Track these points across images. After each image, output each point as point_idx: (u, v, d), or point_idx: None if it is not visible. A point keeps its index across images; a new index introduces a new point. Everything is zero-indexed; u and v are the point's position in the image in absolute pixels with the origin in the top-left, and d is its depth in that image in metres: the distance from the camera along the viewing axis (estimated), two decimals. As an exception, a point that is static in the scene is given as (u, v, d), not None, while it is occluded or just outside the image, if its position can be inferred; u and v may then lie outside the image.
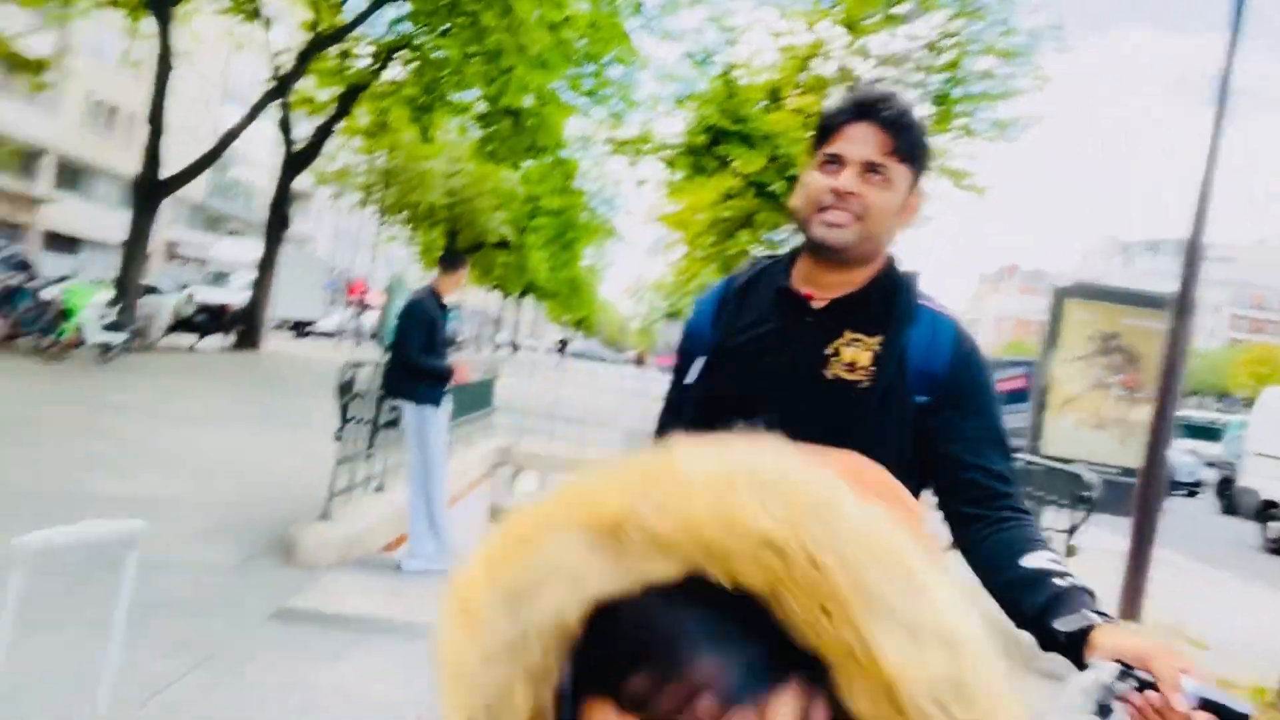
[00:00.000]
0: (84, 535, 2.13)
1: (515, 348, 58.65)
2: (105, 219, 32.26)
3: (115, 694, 2.27)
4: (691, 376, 1.55)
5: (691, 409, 1.52)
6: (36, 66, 17.87)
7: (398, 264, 49.42)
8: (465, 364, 5.73)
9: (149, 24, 16.79)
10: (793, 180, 19.80)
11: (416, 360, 5.28)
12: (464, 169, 31.29)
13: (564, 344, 58.50)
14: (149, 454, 7.45)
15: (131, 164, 19.47)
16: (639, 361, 50.00)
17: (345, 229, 51.50)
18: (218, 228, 43.95)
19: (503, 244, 38.43)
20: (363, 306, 33.14)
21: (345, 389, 5.68)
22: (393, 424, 5.86)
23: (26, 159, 31.60)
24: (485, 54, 15.98)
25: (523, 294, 55.91)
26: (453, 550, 5.38)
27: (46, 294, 13.33)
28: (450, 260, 5.64)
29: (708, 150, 21.21)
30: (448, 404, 5.51)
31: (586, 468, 0.46)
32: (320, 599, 4.61)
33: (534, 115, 18.51)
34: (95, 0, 17.20)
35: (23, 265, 15.48)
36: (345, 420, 5.65)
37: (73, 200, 33.96)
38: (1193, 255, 5.66)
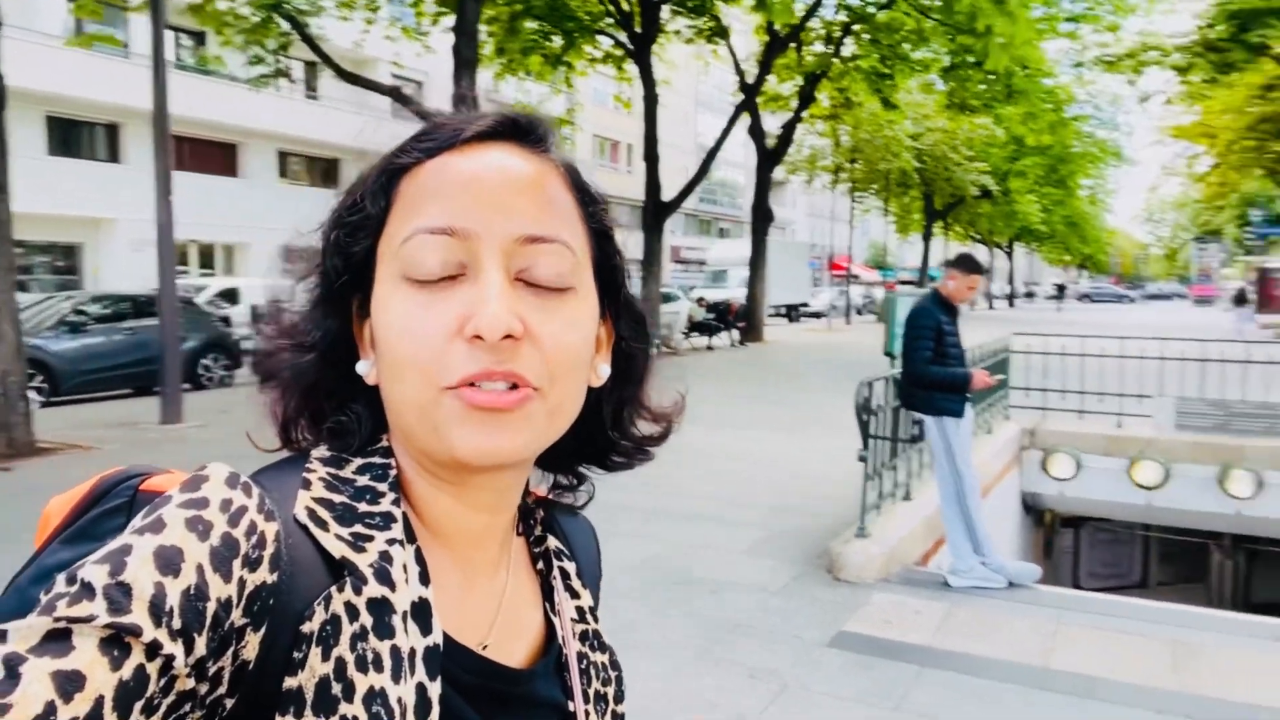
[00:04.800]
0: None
1: (1012, 301, 52.25)
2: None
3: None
4: None
5: None
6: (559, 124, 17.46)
7: (874, 233, 52.08)
8: (983, 372, 5.17)
9: (631, 66, 19.42)
10: None
11: (926, 373, 4.93)
12: (932, 127, 31.37)
13: (1061, 289, 54.62)
14: (695, 464, 7.67)
15: (633, 187, 22.57)
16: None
17: (819, 208, 51.01)
18: (709, 230, 48.12)
19: (985, 194, 36.44)
20: (850, 279, 33.62)
21: (864, 408, 5.30)
22: (916, 439, 5.58)
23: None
24: (944, 12, 15.96)
25: (1012, 241, 52.41)
26: (1000, 567, 5.09)
27: None
28: (964, 264, 5.05)
29: (1234, 40, 17.65)
30: (970, 412, 5.18)
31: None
32: (875, 624, 4.51)
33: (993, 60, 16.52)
34: (590, 59, 20.18)
35: None
36: (867, 439, 5.36)
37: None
38: None
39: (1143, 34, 20.24)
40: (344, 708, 0.49)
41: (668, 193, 18.93)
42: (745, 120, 21.45)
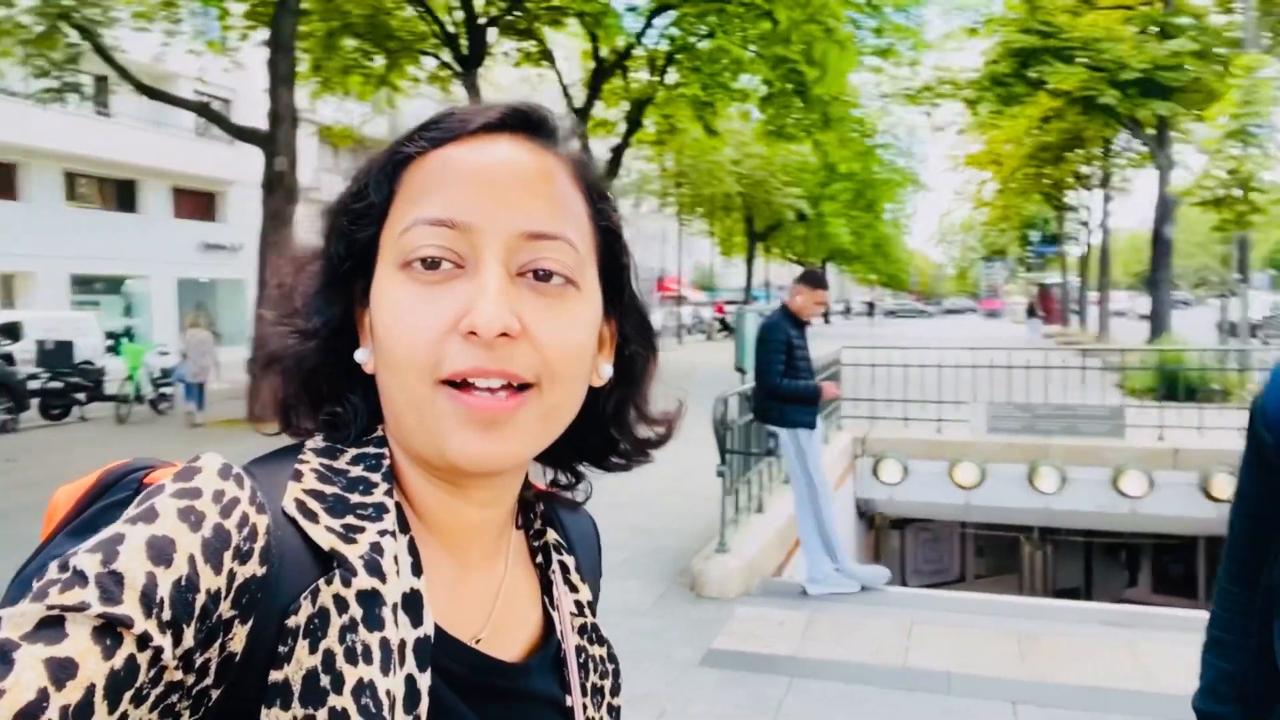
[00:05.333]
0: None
1: (827, 317, 51.47)
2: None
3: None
4: None
5: None
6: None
7: (700, 255, 53.09)
8: (830, 383, 5.48)
9: (459, 88, 18.43)
10: (1126, 86, 18.26)
11: (779, 386, 5.06)
12: (750, 153, 31.87)
13: (871, 306, 57.22)
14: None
15: None
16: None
17: (646, 231, 49.78)
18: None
19: (801, 217, 37.95)
20: (679, 300, 34.61)
21: (721, 423, 5.38)
22: (771, 452, 5.72)
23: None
24: (774, 41, 16.09)
25: (825, 261, 52.74)
26: (853, 573, 5.30)
27: None
28: (811, 280, 5.23)
29: (1016, 76, 18.97)
30: (821, 424, 5.40)
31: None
32: (743, 639, 4.53)
33: (818, 86, 17.25)
34: (414, 80, 19.41)
35: None
36: (725, 454, 5.41)
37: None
38: None
39: (938, 69, 21.10)
40: (333, 699, 0.49)
41: None
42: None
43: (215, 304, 27.93)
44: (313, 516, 0.53)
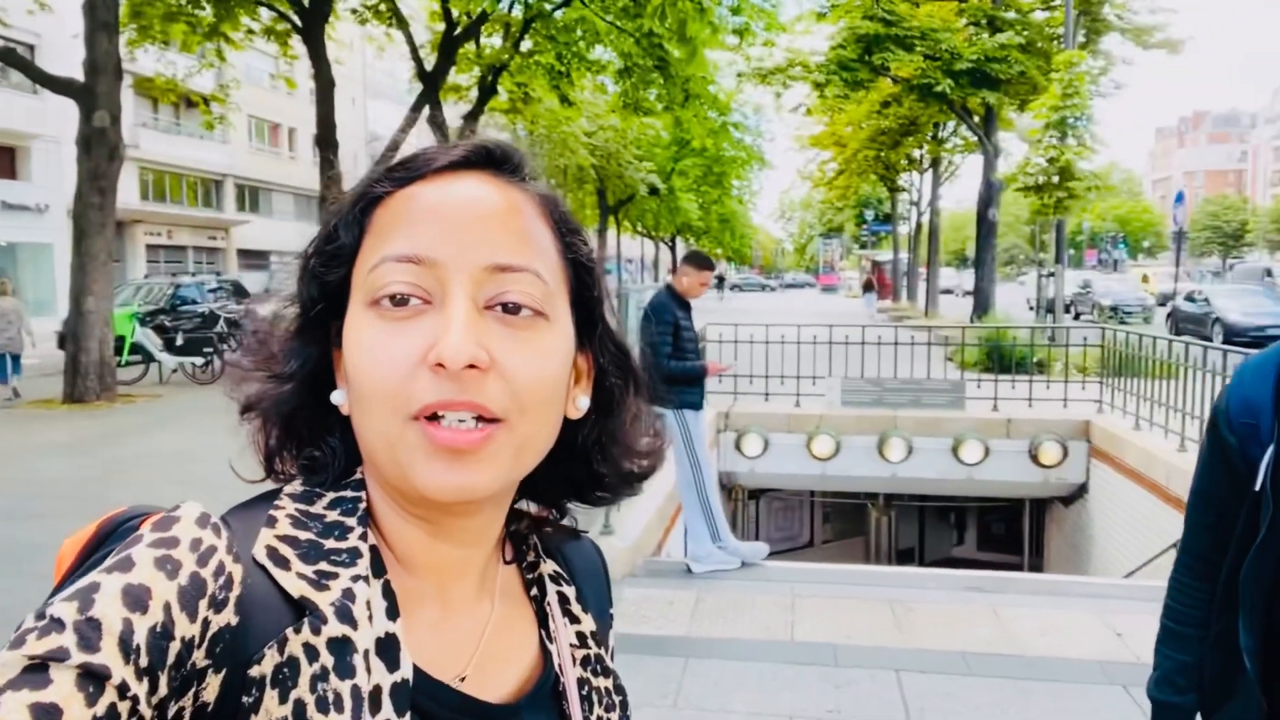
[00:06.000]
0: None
1: None
2: (284, 231, 36.66)
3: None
4: (1261, 479, 1.23)
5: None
6: (207, 103, 18.87)
7: None
8: (714, 361, 5.34)
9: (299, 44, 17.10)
10: (959, 76, 19.12)
11: (667, 368, 4.95)
12: (605, 125, 31.28)
13: (721, 280, 54.67)
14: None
15: (299, 175, 24.68)
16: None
17: None
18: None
19: (653, 191, 37.53)
20: None
21: None
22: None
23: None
24: (639, 15, 16.03)
25: (675, 235, 54.21)
26: (735, 549, 5.34)
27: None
28: (696, 260, 5.23)
29: (860, 61, 19.78)
30: (706, 404, 5.33)
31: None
32: (634, 621, 4.54)
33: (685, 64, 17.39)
34: (248, 31, 17.73)
35: (240, 291, 18.17)
36: None
37: (256, 218, 36.85)
38: None
39: (789, 51, 21.58)
40: None
41: (345, 183, 17.82)
42: (425, 111, 20.79)
43: (17, 270, 25.26)
44: (284, 563, 0.53)
